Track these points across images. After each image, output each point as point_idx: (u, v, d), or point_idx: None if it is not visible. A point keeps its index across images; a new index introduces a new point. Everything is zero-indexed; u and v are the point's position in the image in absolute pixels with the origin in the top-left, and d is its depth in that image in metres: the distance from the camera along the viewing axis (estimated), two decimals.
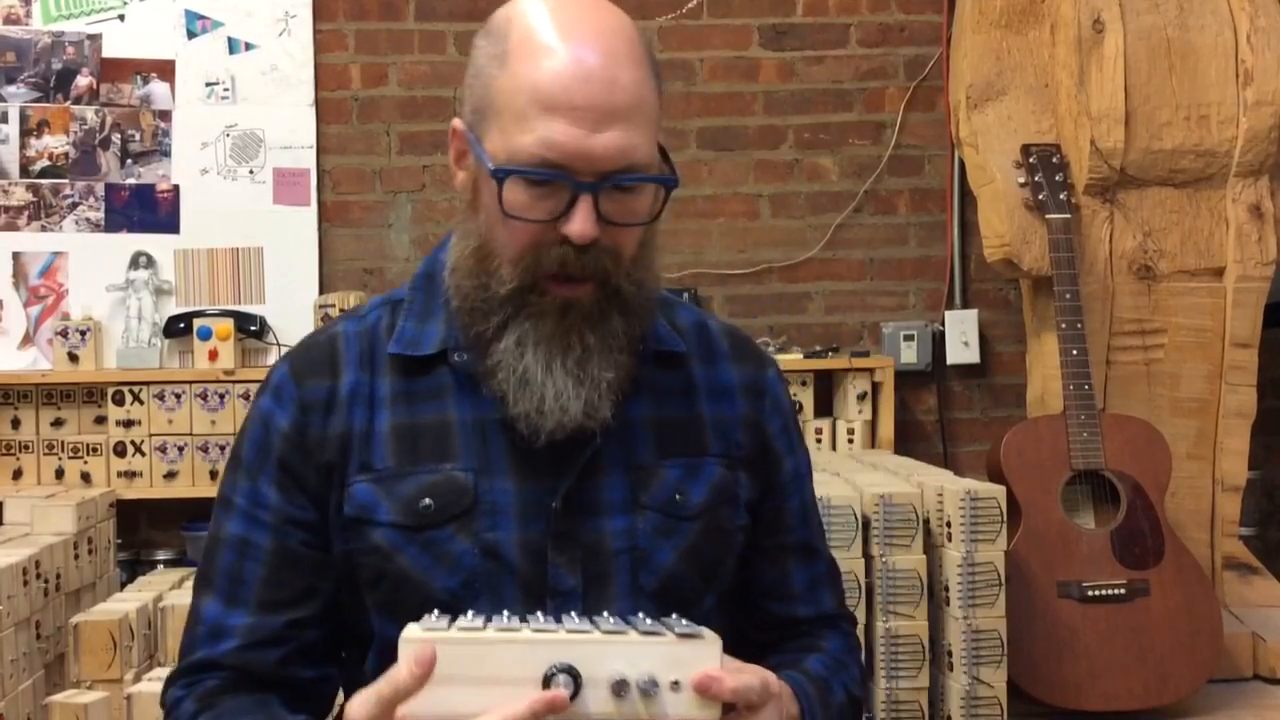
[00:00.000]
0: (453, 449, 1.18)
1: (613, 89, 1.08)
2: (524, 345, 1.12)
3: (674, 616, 1.04)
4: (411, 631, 0.98)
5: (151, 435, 2.99)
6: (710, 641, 1.00)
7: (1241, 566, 2.72)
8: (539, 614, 1.02)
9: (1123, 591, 2.35)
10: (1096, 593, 2.34)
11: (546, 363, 1.12)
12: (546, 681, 0.97)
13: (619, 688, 0.97)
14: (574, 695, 0.97)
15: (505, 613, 1.02)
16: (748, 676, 1.02)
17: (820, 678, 1.23)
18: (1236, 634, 2.53)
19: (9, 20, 3.15)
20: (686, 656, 0.99)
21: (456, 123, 1.18)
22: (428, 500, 1.16)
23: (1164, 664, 2.33)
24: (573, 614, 1.02)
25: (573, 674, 0.97)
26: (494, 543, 1.16)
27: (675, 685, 0.98)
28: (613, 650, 0.98)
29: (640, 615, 1.03)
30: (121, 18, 3.16)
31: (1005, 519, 2.22)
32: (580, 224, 1.09)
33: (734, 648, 1.29)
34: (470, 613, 1.02)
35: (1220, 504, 2.68)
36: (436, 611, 1.02)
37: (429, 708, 0.97)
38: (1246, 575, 2.71)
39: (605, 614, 1.03)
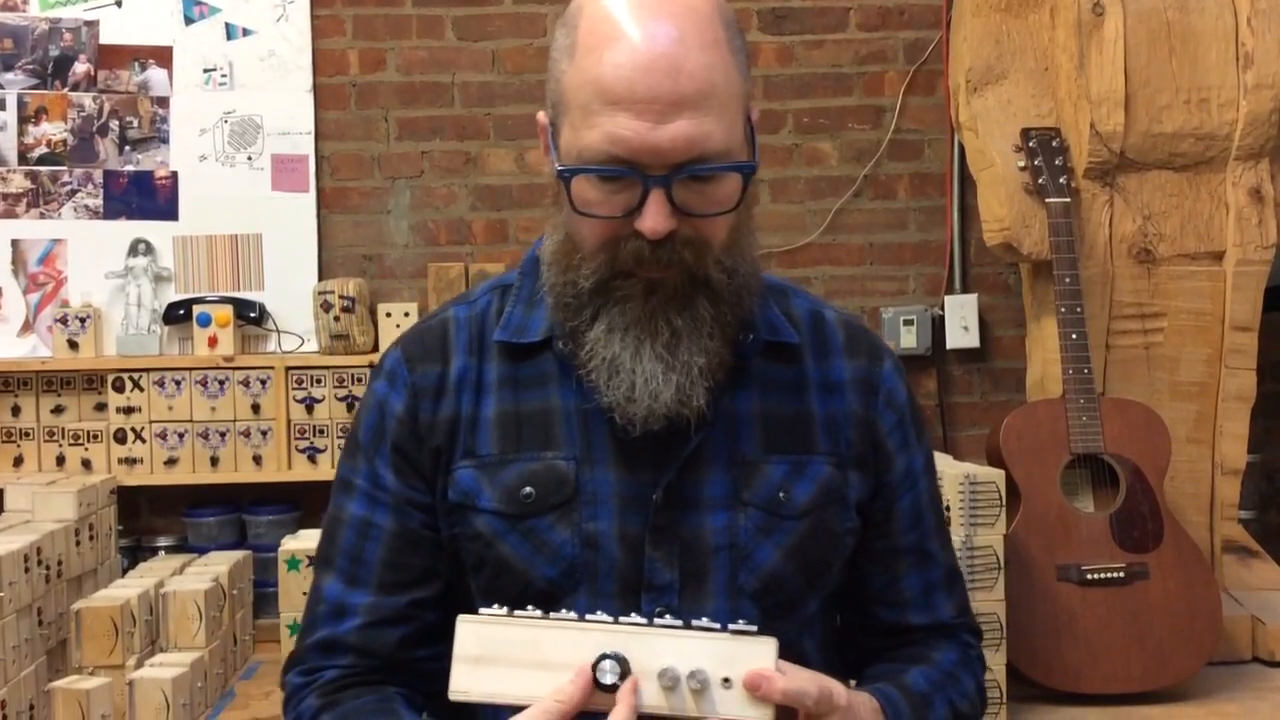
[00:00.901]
0: (555, 437, 1.17)
1: (677, 77, 1.05)
2: (613, 331, 1.11)
3: (739, 622, 1.01)
4: (467, 615, 1.00)
5: (152, 422, 3.00)
6: (764, 641, 0.99)
7: (1241, 550, 2.72)
8: (599, 612, 1.01)
9: (1122, 575, 2.36)
10: (1096, 576, 2.35)
11: (635, 348, 1.10)
12: (594, 668, 0.97)
13: (669, 680, 0.97)
14: (621, 683, 0.97)
15: (564, 609, 1.01)
16: (803, 681, 0.99)
17: (920, 693, 1.18)
18: (1235, 617, 2.54)
19: (6, 7, 3.14)
20: (739, 654, 0.98)
21: (541, 116, 1.17)
22: (529, 489, 1.16)
23: (1163, 647, 2.34)
24: (633, 614, 1.01)
25: (621, 661, 0.97)
26: (593, 533, 1.15)
27: (726, 682, 0.98)
28: (664, 643, 0.98)
29: (704, 619, 1.00)
30: (119, 4, 3.15)
31: (1004, 503, 2.23)
32: (652, 219, 1.06)
33: (840, 653, 1.27)
34: (530, 607, 1.01)
35: (1220, 487, 2.69)
36: (501, 605, 1.02)
37: (479, 686, 0.98)
38: (1246, 558, 2.72)
39: (668, 617, 1.02)
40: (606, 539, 1.15)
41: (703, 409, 1.12)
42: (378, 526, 1.19)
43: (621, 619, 1.00)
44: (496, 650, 0.99)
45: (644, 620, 1.00)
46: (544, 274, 1.18)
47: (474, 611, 1.16)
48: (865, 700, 1.10)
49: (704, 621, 1.00)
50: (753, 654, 0.98)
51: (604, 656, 0.97)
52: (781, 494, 1.17)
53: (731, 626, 0.99)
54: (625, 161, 1.06)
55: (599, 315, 1.12)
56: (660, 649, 0.98)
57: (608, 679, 0.97)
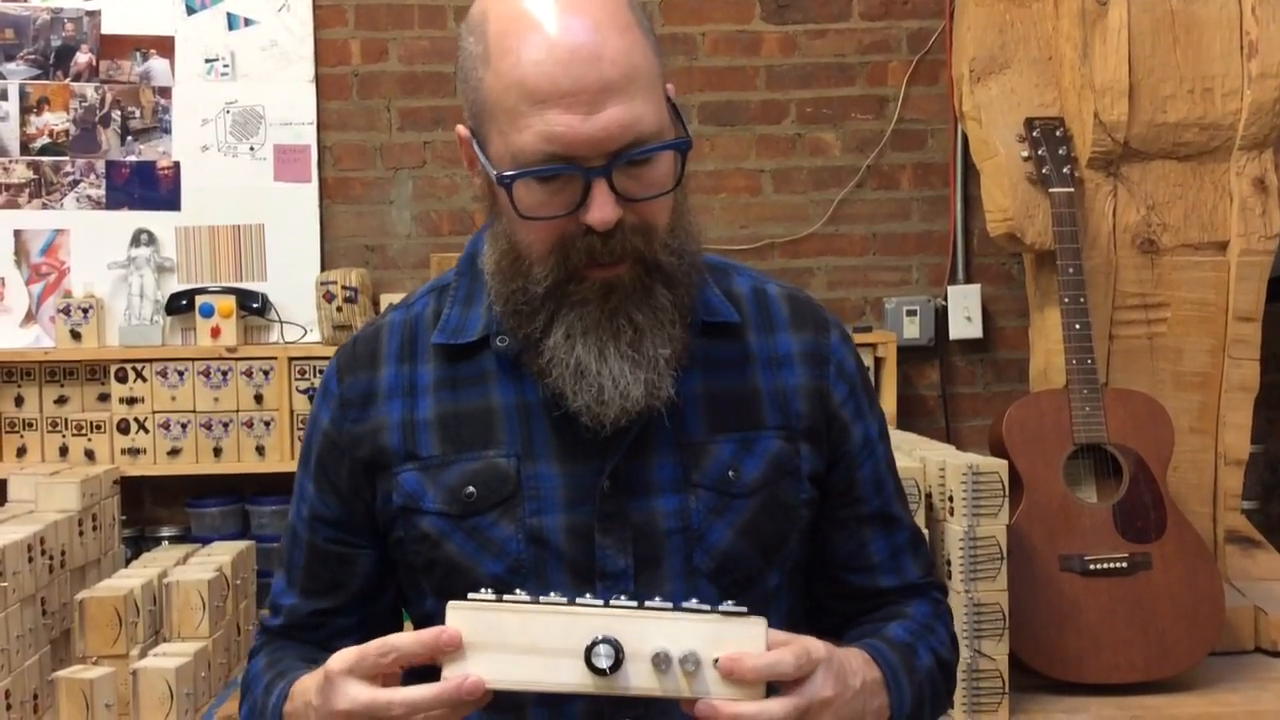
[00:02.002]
0: (496, 435, 1.18)
1: (600, 64, 1.05)
2: (573, 336, 1.11)
3: (728, 603, 1.02)
4: (457, 601, 1.00)
5: (155, 412, 3.00)
6: (754, 621, 0.99)
7: (1243, 540, 2.72)
8: (588, 594, 1.01)
9: (1125, 565, 2.35)
10: (1098, 566, 2.35)
11: (599, 350, 1.10)
12: (588, 653, 0.97)
13: (661, 662, 0.98)
14: (615, 667, 0.97)
15: (554, 593, 1.01)
16: (775, 654, 1.00)
17: (904, 643, 1.20)
18: (1238, 607, 2.54)
19: None
20: (730, 635, 0.99)
21: (461, 129, 1.16)
22: (471, 488, 1.17)
23: (1165, 637, 2.34)
24: (622, 596, 1.01)
25: (615, 646, 0.98)
26: (538, 528, 1.15)
27: (718, 663, 0.98)
28: (656, 625, 0.99)
29: (694, 600, 1.01)
30: None
31: (1007, 493, 2.23)
32: (599, 211, 1.06)
33: (811, 623, 1.28)
34: (519, 590, 1.01)
35: (1223, 478, 2.68)
36: (488, 590, 1.02)
37: (473, 673, 0.98)
38: (1248, 549, 2.72)
39: (657, 597, 1.02)
40: (552, 532, 1.15)
41: (672, 397, 1.12)
42: (300, 536, 1.27)
43: (612, 601, 1.00)
44: (487, 636, 0.99)
45: (635, 603, 1.00)
46: (489, 284, 1.17)
47: (428, 612, 1.19)
48: (854, 653, 1.11)
49: (694, 603, 1.00)
50: (743, 635, 0.99)
51: (597, 641, 0.98)
52: (730, 473, 1.18)
53: (721, 608, 1.00)
54: (563, 158, 1.06)
55: (555, 320, 1.11)
56: (652, 631, 0.98)
57: (602, 663, 0.97)
